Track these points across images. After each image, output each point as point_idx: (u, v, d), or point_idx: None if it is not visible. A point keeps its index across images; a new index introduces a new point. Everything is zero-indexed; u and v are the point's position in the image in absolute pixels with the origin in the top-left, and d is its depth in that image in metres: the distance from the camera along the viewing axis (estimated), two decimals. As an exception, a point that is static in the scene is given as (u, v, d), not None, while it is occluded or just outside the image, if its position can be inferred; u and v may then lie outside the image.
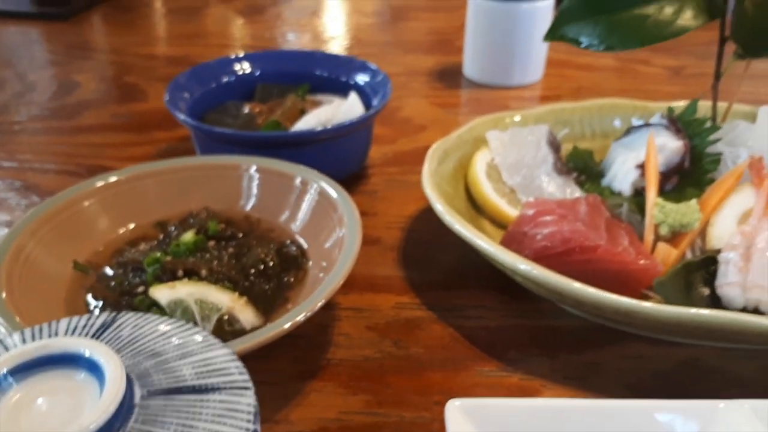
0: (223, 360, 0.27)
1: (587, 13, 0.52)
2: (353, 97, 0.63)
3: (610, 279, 0.45)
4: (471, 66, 0.89)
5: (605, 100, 0.66)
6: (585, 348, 0.45)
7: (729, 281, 0.44)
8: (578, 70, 0.93)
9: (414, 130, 0.77)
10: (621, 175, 0.53)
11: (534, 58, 0.87)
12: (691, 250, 0.48)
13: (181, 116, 0.58)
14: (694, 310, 0.39)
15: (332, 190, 0.49)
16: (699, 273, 0.46)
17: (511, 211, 0.54)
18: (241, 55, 0.70)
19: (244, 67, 0.69)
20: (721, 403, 0.35)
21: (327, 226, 0.48)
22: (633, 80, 0.90)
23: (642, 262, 0.45)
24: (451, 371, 0.43)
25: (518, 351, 0.45)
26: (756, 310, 0.43)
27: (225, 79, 0.68)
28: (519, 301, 0.49)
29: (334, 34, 1.11)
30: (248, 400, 0.25)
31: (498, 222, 0.55)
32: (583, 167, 0.57)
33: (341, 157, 0.61)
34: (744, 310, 0.44)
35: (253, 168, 0.51)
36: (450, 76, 0.92)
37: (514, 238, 0.49)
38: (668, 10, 0.52)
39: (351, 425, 0.40)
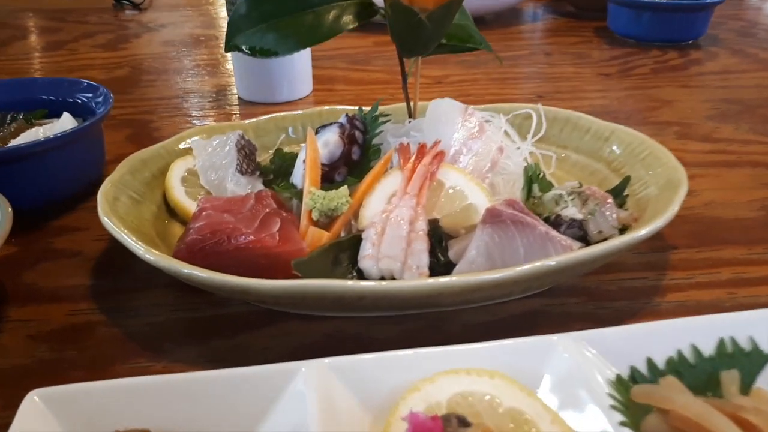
0: None
1: (253, 23, 0.56)
2: (65, 116, 0.64)
3: (263, 265, 0.48)
4: (241, 86, 0.92)
5: (325, 108, 0.70)
6: (239, 332, 0.47)
7: (364, 254, 0.48)
8: (348, 85, 0.99)
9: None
10: (297, 170, 0.56)
11: (298, 75, 0.91)
12: (347, 231, 0.52)
13: None
14: (295, 282, 0.42)
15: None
16: (348, 251, 0.49)
17: (203, 213, 0.56)
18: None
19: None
20: (303, 367, 0.38)
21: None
22: (395, 91, 0.96)
23: (286, 246, 0.48)
24: (98, 369, 0.44)
25: (172, 342, 0.47)
26: (393, 279, 0.47)
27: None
28: (193, 296, 0.51)
29: (128, 62, 1.12)
30: None
31: (191, 224, 0.57)
32: (280, 168, 0.60)
33: (61, 171, 0.61)
34: (383, 279, 0.47)
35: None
36: (224, 97, 0.95)
37: (182, 236, 0.51)
38: (330, 16, 0.56)
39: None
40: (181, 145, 0.62)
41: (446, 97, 0.60)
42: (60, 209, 0.63)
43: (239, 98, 0.93)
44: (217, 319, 0.49)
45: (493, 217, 0.46)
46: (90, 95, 0.68)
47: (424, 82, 1.00)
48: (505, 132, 0.60)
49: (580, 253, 0.44)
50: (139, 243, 0.46)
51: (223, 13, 1.45)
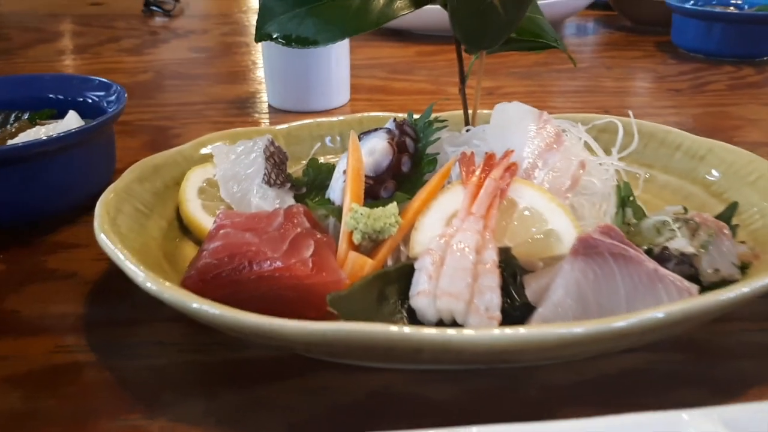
0: None
1: (289, 7, 0.47)
2: (71, 115, 0.56)
3: (291, 299, 0.39)
4: (272, 93, 0.84)
5: (366, 115, 0.61)
6: (259, 383, 0.38)
7: (418, 290, 0.38)
8: (389, 95, 0.90)
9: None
10: (336, 183, 0.47)
11: (335, 82, 0.82)
12: (395, 258, 0.42)
13: None
14: (330, 326, 0.32)
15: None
16: (397, 284, 0.40)
17: (221, 231, 0.47)
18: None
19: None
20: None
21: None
22: (439, 104, 0.87)
23: (321, 275, 0.38)
24: (79, 426, 0.35)
25: (174, 392, 0.37)
26: (455, 323, 0.37)
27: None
28: (204, 334, 0.41)
29: (153, 67, 1.05)
30: None
31: (207, 244, 0.47)
32: (314, 180, 0.51)
33: (61, 178, 0.52)
34: (440, 323, 0.37)
35: None
36: (253, 105, 0.86)
37: (194, 259, 0.42)
38: (380, 1, 0.47)
39: None
40: (201, 151, 0.53)
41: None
42: (58, 222, 0.54)
43: (269, 106, 0.85)
44: (233, 365, 0.39)
45: (587, 248, 0.36)
46: (101, 93, 0.60)
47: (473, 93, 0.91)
48: (585, 144, 0.50)
49: (707, 299, 0.33)
50: (140, 267, 0.37)
51: (254, 21, 1.38)
